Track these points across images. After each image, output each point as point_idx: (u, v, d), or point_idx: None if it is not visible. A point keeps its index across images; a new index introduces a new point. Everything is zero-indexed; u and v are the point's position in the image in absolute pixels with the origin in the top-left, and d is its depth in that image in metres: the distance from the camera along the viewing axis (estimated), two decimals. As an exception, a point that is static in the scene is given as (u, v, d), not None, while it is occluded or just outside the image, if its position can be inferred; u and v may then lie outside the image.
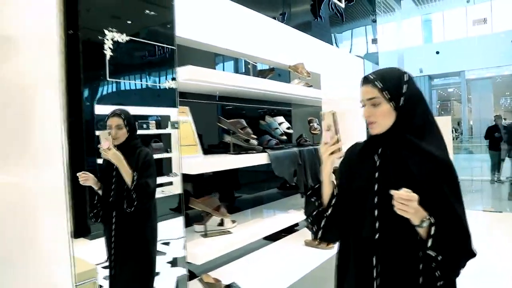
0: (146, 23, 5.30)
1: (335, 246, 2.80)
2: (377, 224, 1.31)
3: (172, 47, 5.10)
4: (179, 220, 3.74)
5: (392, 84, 1.32)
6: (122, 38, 4.01)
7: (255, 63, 2.77)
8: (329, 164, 1.39)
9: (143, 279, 2.41)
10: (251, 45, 2.52)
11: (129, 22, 5.16)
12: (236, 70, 4.24)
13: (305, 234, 2.92)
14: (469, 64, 17.99)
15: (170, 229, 3.55)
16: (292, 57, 2.83)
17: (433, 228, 1.20)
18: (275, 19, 7.10)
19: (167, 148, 4.73)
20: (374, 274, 1.31)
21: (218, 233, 1.92)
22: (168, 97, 4.55)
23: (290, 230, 2.96)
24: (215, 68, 3.16)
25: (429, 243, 1.20)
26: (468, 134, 20.23)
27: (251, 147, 2.16)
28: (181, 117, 2.08)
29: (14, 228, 1.15)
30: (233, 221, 2.06)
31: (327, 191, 1.42)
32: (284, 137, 2.50)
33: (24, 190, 1.07)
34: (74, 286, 1.08)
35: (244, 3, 2.76)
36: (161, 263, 3.06)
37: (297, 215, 2.49)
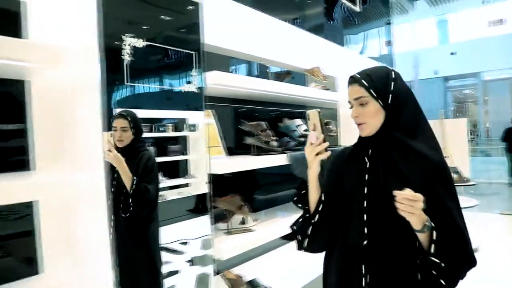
0: (163, 28, 5.43)
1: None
2: (365, 230, 1.24)
3: (190, 51, 5.23)
4: (196, 221, 3.86)
5: (378, 82, 1.27)
6: (140, 43, 4.16)
7: (268, 66, 2.86)
8: (315, 166, 1.31)
9: (145, 283, 2.36)
10: (268, 50, 2.61)
11: (147, 27, 5.31)
12: (249, 73, 4.34)
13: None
14: (486, 65, 17.82)
15: (188, 229, 3.67)
16: (308, 60, 2.92)
17: (434, 233, 1.14)
18: (286, 21, 7.18)
19: (184, 150, 4.85)
20: (363, 284, 1.23)
21: (240, 230, 2.01)
22: (184, 100, 4.67)
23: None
24: (229, 71, 3.27)
25: (433, 249, 1.13)
26: (485, 136, 20.01)
27: (271, 148, 2.25)
28: (206, 119, 2.17)
29: (60, 223, 1.26)
30: (255, 220, 2.15)
31: (314, 196, 1.35)
32: (302, 139, 2.57)
33: (68, 189, 1.16)
34: (113, 279, 1.18)
35: (257, 7, 2.86)
36: (180, 262, 3.18)
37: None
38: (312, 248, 1.39)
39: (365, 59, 3.89)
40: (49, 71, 1.20)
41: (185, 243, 3.55)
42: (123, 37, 3.55)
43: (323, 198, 1.34)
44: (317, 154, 1.29)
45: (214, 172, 1.81)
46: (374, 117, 1.27)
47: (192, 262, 3.16)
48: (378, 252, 1.22)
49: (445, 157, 4.70)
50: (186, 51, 5.27)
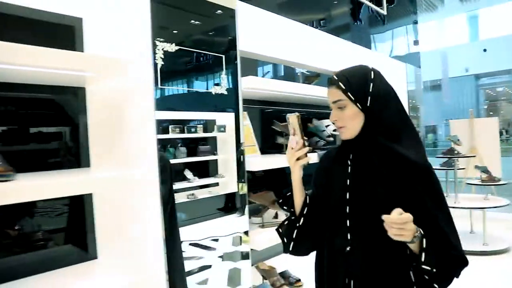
0: (192, 32, 5.61)
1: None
2: (348, 236, 1.22)
3: (219, 54, 5.39)
4: (226, 219, 4.03)
5: (356, 84, 1.22)
6: (172, 47, 4.35)
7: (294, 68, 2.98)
8: (297, 171, 1.30)
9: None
10: (296, 53, 2.74)
11: (177, 31, 5.50)
12: (275, 72, 4.46)
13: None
14: (520, 62, 17.29)
15: (218, 227, 3.85)
16: (335, 63, 3.02)
17: (424, 241, 1.11)
18: (313, 22, 7.27)
19: (214, 150, 5.01)
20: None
21: (273, 224, 2.13)
22: (213, 102, 4.83)
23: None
24: (257, 72, 3.41)
25: (423, 258, 1.10)
26: (519, 136, 19.41)
27: (302, 147, 2.37)
28: (245, 121, 2.31)
29: (113, 214, 1.42)
30: (286, 215, 2.27)
31: (298, 200, 1.34)
32: (331, 139, 2.68)
33: (122, 184, 1.32)
34: (165, 262, 1.33)
35: (285, 9, 2.95)
36: (212, 257, 3.35)
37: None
38: (298, 252, 1.38)
39: (390, 59, 3.91)
40: (104, 79, 1.37)
41: (216, 240, 3.73)
42: (156, 42, 3.75)
43: (308, 201, 1.34)
44: (298, 159, 1.28)
45: (250, 170, 1.95)
46: (353, 120, 1.23)
47: (223, 257, 3.33)
48: (361, 258, 1.21)
49: (473, 156, 4.67)
50: (215, 54, 5.46)
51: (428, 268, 1.10)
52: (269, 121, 2.49)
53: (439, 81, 18.03)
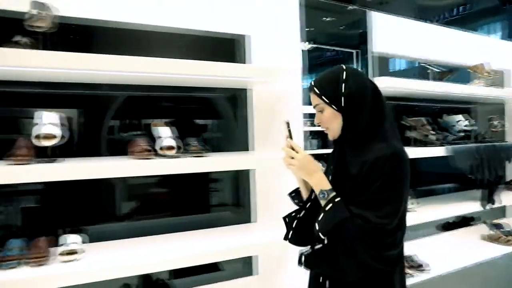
0: (325, 28, 5.95)
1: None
2: None
3: (350, 50, 5.63)
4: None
5: (329, 87, 1.30)
6: (307, 46, 4.75)
7: (428, 67, 3.08)
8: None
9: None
10: (429, 51, 2.89)
11: (310, 29, 5.91)
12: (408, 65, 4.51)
13: (482, 229, 3.11)
14: None
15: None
16: (473, 57, 3.04)
17: (329, 205, 1.20)
18: (453, 9, 6.90)
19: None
20: (320, 280, 1.36)
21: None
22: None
23: (465, 223, 3.25)
24: (389, 68, 3.58)
25: (320, 217, 1.22)
26: None
27: (430, 141, 2.56)
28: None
29: (272, 185, 1.90)
30: (417, 203, 2.52)
31: (304, 194, 1.47)
32: (462, 134, 2.77)
33: (273, 163, 1.75)
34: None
35: None
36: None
37: (473, 207, 2.76)
38: (295, 241, 1.47)
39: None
40: (264, 83, 1.86)
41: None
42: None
43: (312, 197, 1.42)
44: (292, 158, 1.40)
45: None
46: (332, 122, 1.31)
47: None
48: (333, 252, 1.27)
49: None
50: (347, 50, 5.72)
51: (318, 232, 1.20)
52: (399, 116, 2.70)
53: None
